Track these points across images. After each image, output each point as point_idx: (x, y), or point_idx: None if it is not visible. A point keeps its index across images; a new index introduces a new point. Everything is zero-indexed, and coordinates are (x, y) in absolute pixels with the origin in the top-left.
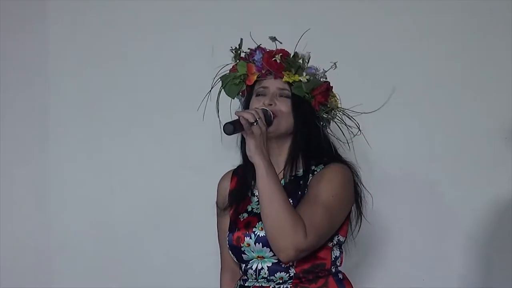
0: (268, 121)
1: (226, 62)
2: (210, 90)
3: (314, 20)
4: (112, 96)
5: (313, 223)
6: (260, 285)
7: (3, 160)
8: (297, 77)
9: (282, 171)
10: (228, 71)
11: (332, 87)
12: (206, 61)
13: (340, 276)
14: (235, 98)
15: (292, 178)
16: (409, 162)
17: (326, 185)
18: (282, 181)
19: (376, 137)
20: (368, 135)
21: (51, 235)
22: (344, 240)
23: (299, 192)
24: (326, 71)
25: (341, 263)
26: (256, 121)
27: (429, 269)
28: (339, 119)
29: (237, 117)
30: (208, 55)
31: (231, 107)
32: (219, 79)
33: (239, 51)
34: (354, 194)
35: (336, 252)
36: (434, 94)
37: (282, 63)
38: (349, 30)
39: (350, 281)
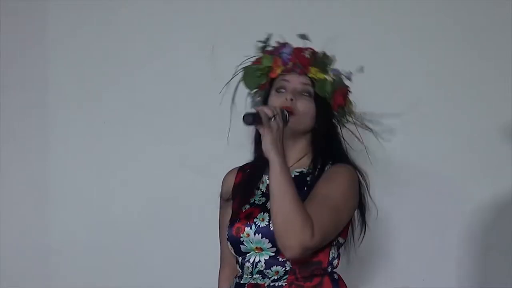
0: (284, 120)
1: (226, 62)
2: (231, 80)
3: (315, 20)
4: (112, 96)
5: (320, 223)
6: (255, 282)
7: (2, 159)
8: (322, 75)
9: (295, 164)
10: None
11: (350, 92)
12: (206, 61)
13: (336, 276)
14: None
15: (299, 174)
16: (409, 162)
17: (334, 185)
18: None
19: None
20: (369, 135)
21: (51, 235)
22: (344, 243)
23: (305, 188)
24: (351, 73)
25: (337, 265)
26: (274, 116)
27: (429, 269)
28: (353, 122)
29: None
30: (208, 55)
31: (246, 101)
32: (242, 69)
33: (266, 44)
34: (359, 202)
35: (334, 253)
36: (434, 95)
37: (311, 59)
38: (349, 30)
39: (346, 282)
